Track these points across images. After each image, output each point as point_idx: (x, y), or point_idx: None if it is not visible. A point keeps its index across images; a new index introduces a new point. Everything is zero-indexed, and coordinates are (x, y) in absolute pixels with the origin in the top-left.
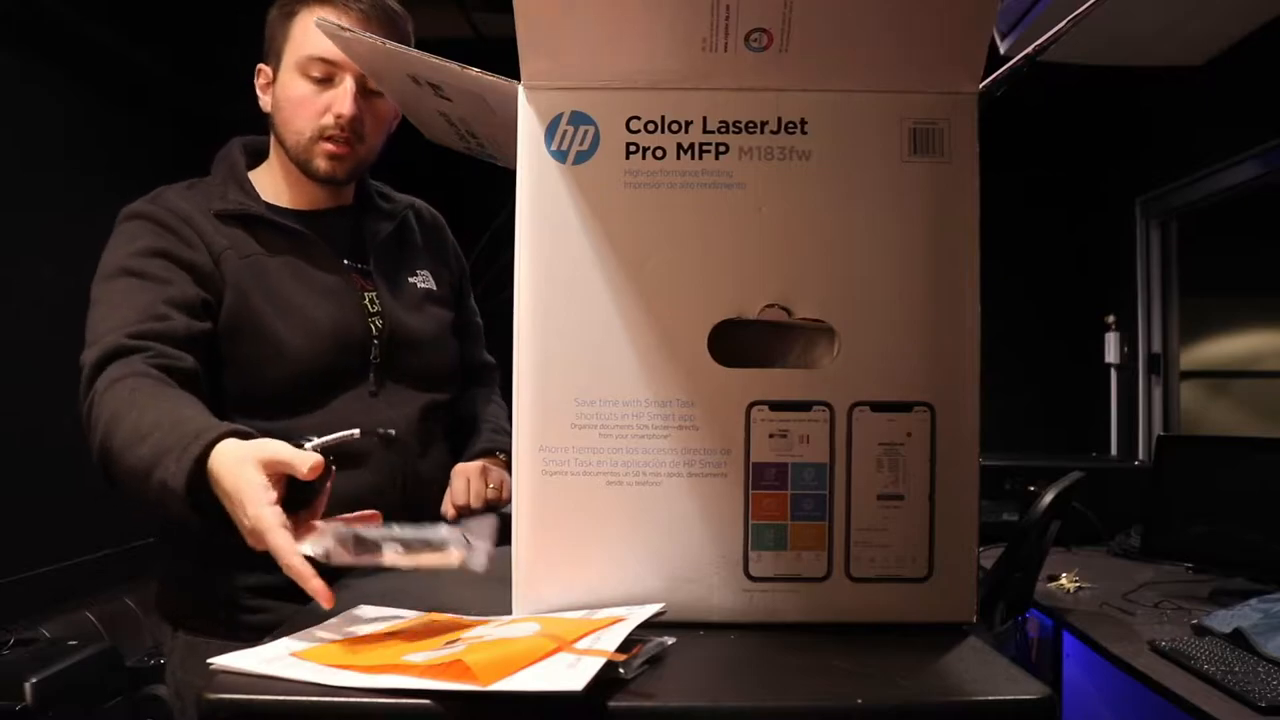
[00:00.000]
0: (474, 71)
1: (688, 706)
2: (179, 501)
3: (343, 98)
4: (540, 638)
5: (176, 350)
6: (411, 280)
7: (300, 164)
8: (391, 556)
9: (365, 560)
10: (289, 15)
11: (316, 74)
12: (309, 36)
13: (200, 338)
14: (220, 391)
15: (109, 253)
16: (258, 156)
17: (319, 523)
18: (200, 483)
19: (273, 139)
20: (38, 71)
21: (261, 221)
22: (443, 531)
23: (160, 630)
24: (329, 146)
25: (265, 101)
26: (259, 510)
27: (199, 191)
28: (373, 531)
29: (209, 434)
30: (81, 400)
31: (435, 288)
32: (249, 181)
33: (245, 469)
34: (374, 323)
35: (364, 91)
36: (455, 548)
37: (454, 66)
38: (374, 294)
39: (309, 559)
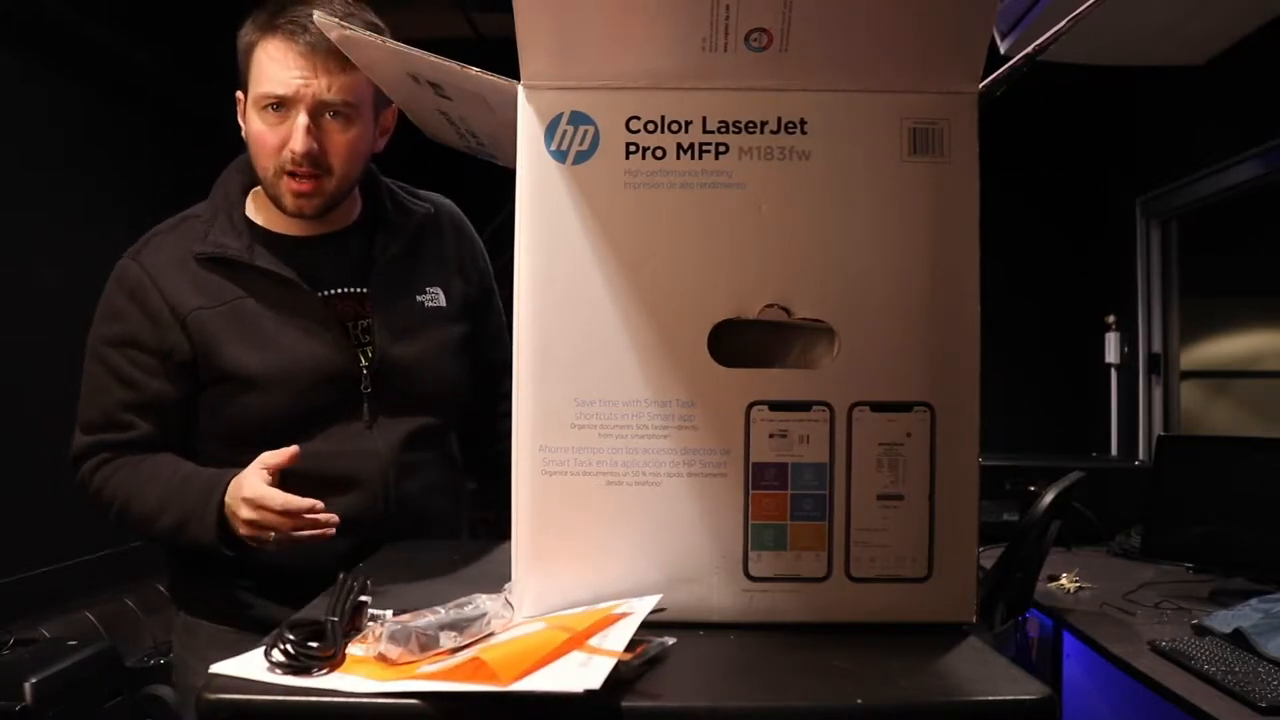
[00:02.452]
0: (474, 71)
1: (688, 707)
2: (214, 546)
3: (295, 134)
4: (551, 630)
5: (131, 451)
6: (419, 299)
7: (273, 199)
8: (448, 643)
9: (429, 654)
10: (249, 48)
11: (273, 108)
12: (262, 72)
13: (152, 438)
14: (211, 430)
15: (97, 315)
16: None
17: (372, 625)
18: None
19: None
20: (38, 71)
21: (240, 265)
22: (485, 603)
23: (171, 612)
24: (291, 183)
25: (244, 129)
26: (252, 492)
27: (185, 232)
28: (423, 622)
29: (216, 491)
30: (74, 469)
31: (444, 304)
32: (240, 213)
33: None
34: (363, 353)
35: (324, 121)
36: (501, 614)
37: (454, 66)
38: (367, 322)
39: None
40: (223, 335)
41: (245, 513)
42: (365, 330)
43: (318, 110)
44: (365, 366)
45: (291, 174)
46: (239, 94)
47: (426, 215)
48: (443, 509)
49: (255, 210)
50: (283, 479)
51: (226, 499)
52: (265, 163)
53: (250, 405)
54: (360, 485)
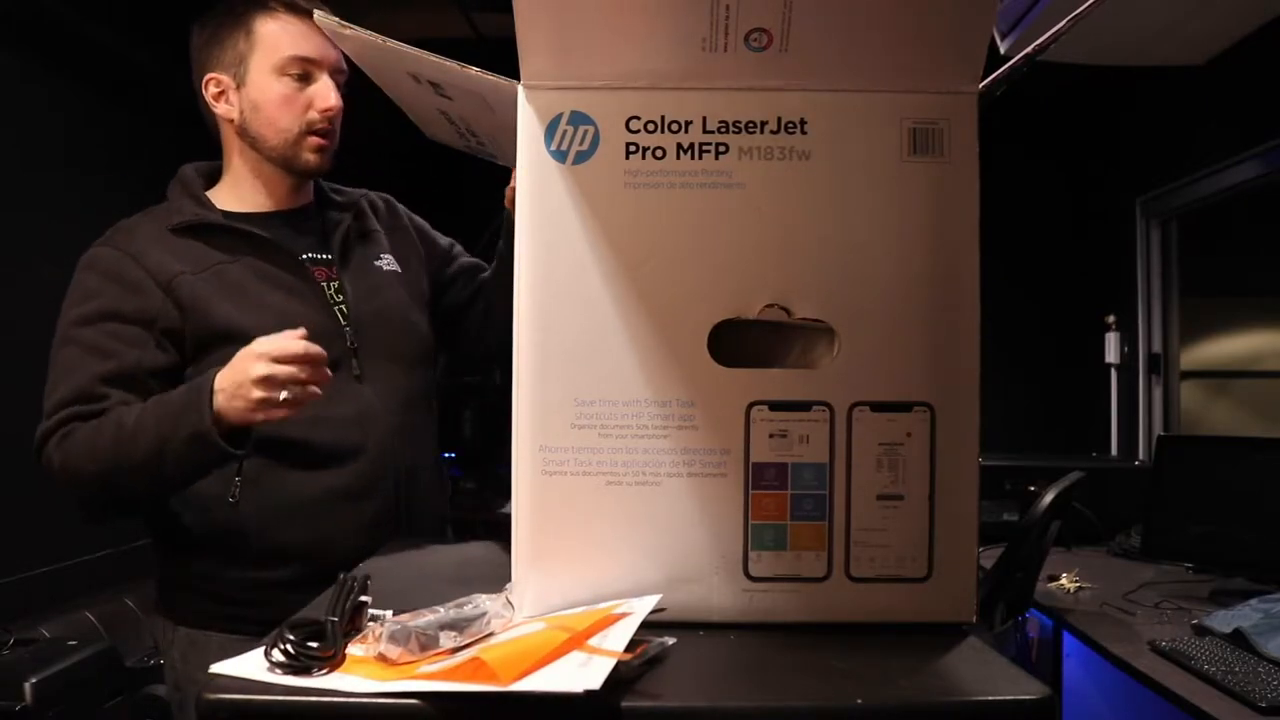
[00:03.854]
0: (474, 71)
1: (688, 707)
2: (211, 440)
3: (325, 92)
4: (551, 630)
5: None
6: (377, 264)
7: (285, 161)
8: (448, 643)
9: (429, 654)
10: (245, 22)
11: (296, 72)
12: (282, 39)
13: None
14: None
15: (65, 307)
16: (210, 179)
17: (372, 625)
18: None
19: (236, 147)
20: (37, 71)
21: (218, 229)
22: (485, 603)
23: (160, 627)
24: (316, 140)
25: (225, 110)
26: (269, 343)
27: (154, 215)
28: (422, 621)
29: (204, 383)
30: (46, 470)
31: (400, 270)
32: (203, 195)
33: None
34: (340, 310)
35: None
36: (501, 614)
37: (454, 65)
38: (338, 283)
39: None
40: (212, 298)
41: (259, 369)
42: (338, 290)
43: (332, 75)
44: (346, 323)
45: (318, 132)
46: (217, 77)
47: (360, 195)
48: (436, 484)
49: (217, 199)
50: (283, 449)
51: (218, 381)
52: (288, 123)
53: None
54: (367, 452)
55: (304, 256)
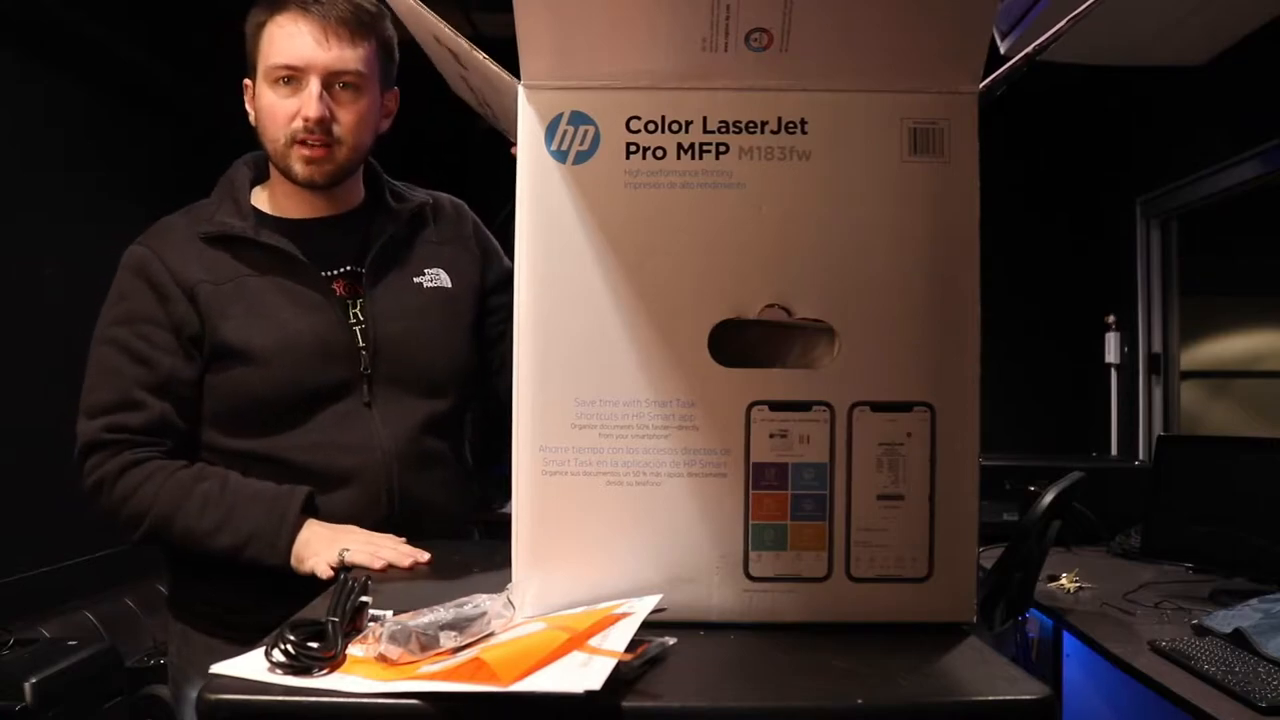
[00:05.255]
0: (480, 55)
1: (688, 707)
2: (276, 567)
3: (308, 101)
4: (551, 630)
5: (148, 439)
6: (417, 280)
7: (282, 170)
8: (448, 643)
9: (429, 654)
10: (258, 28)
11: (284, 80)
12: (273, 45)
13: (168, 419)
14: (211, 413)
15: (106, 304)
16: (266, 171)
17: (373, 626)
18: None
19: None
20: (37, 71)
21: (244, 242)
22: (485, 603)
23: (165, 622)
24: (303, 150)
25: (251, 116)
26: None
27: (192, 217)
28: (423, 621)
29: (290, 517)
30: (81, 476)
31: (450, 284)
32: (245, 197)
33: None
34: (359, 331)
35: (335, 91)
36: (501, 614)
37: (464, 42)
38: (364, 300)
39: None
40: (226, 310)
41: (359, 538)
42: (362, 310)
43: (329, 80)
44: (363, 346)
45: (303, 142)
46: (246, 81)
47: (424, 201)
48: (448, 507)
49: (261, 200)
50: (278, 470)
51: (306, 531)
52: (276, 133)
53: (250, 382)
54: (360, 479)
55: (335, 271)
